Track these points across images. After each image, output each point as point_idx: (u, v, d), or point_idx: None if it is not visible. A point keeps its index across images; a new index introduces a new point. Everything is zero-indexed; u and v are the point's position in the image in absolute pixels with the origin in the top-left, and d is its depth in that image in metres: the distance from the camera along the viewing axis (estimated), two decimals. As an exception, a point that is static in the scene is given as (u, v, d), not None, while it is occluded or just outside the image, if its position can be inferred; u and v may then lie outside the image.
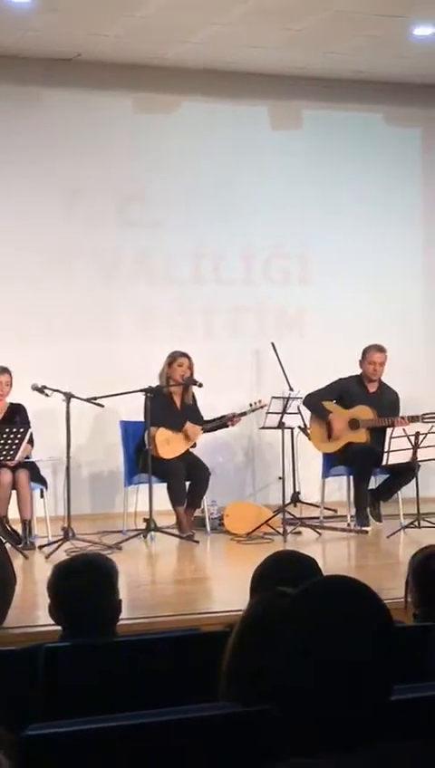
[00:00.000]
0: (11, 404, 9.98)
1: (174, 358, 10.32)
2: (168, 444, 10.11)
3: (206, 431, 10.39)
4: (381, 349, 10.61)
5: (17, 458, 9.28)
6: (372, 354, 10.58)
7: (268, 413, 10.18)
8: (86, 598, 4.05)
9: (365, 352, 10.62)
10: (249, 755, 2.19)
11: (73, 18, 10.32)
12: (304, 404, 10.38)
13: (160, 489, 10.00)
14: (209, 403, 10.64)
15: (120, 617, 4.27)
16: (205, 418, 10.47)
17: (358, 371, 10.66)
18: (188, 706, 2.85)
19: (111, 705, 2.96)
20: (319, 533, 10.06)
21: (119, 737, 2.74)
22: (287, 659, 2.11)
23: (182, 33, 10.77)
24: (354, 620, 2.11)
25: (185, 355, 10.33)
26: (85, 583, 4.09)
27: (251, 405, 10.44)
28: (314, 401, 10.46)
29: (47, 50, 11.18)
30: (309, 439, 10.49)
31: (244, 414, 10.45)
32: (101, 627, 4.03)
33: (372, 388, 10.65)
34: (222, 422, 10.45)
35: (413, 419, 10.13)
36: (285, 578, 3.40)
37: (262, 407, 10.33)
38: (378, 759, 2.03)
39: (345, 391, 10.57)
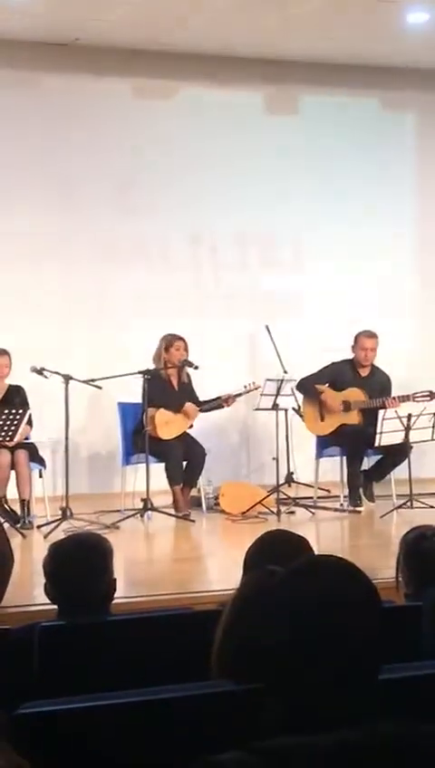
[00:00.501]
0: (10, 386, 10.02)
1: (171, 341, 10.38)
2: (167, 425, 10.19)
3: (201, 411, 10.48)
4: (372, 335, 10.60)
5: (16, 439, 9.34)
6: (364, 340, 10.58)
7: (262, 395, 10.24)
8: (80, 577, 4.06)
9: (357, 338, 10.62)
10: (241, 733, 2.22)
11: (71, 3, 10.34)
12: (296, 388, 10.41)
13: (157, 469, 10.08)
14: (204, 385, 10.68)
15: (118, 595, 4.31)
16: (200, 399, 10.56)
17: (350, 356, 10.68)
18: (181, 685, 2.87)
19: (104, 684, 2.96)
20: (313, 513, 10.13)
21: (112, 716, 2.75)
22: (276, 638, 2.09)
23: (179, 18, 10.76)
24: (341, 598, 2.10)
25: (180, 338, 10.39)
26: (79, 563, 4.10)
27: (245, 386, 10.42)
28: (307, 385, 10.50)
29: (45, 34, 11.18)
30: (303, 420, 10.56)
31: (238, 395, 10.46)
32: (95, 606, 4.05)
33: (364, 372, 10.65)
34: (217, 403, 10.49)
35: (404, 399, 10.18)
36: (276, 557, 3.45)
37: (256, 388, 10.35)
38: (369, 737, 2.01)
39: (337, 375, 10.59)
